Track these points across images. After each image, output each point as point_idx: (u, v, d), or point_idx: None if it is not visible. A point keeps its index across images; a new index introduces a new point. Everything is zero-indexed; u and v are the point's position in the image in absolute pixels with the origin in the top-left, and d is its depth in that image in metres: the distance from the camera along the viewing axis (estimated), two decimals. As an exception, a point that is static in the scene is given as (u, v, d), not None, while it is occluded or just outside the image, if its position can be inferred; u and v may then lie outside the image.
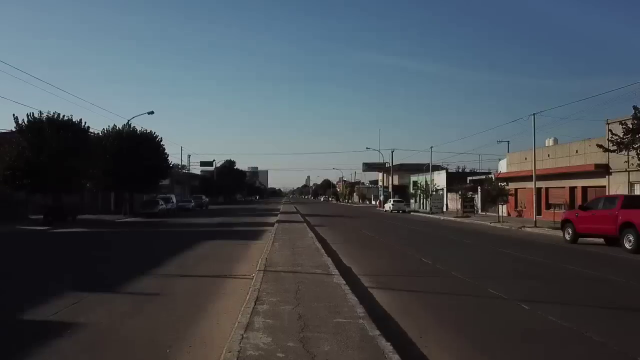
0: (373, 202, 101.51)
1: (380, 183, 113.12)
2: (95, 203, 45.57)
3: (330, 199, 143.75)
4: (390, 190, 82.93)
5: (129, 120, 42.12)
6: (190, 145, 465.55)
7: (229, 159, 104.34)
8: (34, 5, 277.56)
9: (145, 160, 40.82)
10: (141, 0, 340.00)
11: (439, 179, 61.02)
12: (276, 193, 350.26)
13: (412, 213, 52.71)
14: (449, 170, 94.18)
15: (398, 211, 53.64)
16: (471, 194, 44.35)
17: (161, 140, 44.33)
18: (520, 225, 29.44)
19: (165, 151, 45.26)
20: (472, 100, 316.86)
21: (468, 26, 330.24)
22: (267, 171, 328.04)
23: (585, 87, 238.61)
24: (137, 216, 41.77)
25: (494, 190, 35.25)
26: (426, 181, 65.92)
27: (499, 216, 34.22)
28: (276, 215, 41.23)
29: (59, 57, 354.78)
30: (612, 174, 29.21)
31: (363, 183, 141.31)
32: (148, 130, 42.90)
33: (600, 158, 30.76)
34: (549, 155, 36.37)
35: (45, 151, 28.41)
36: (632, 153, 20.78)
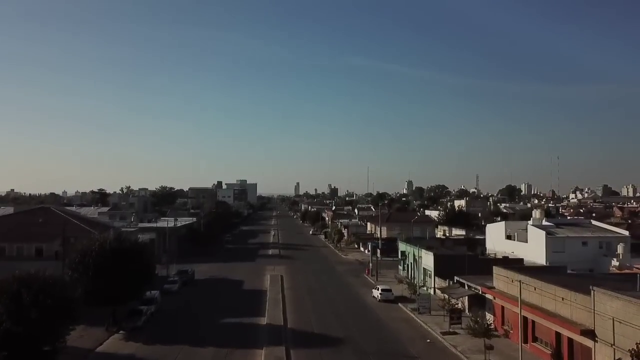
0: (362, 249, 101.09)
1: (369, 229, 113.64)
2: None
3: (317, 232, 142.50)
4: (379, 244, 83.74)
5: (112, 232, 41.47)
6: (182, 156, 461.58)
7: (216, 204, 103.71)
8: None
9: (131, 272, 40.22)
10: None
11: (427, 259, 61.00)
12: (265, 205, 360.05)
13: (399, 304, 52.77)
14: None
15: (386, 300, 54.05)
16: (459, 306, 44.29)
17: (145, 247, 43.74)
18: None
19: (150, 256, 44.62)
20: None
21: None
22: (255, 184, 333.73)
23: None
24: (121, 330, 41.14)
25: (480, 331, 35.28)
26: (415, 259, 66.01)
27: (485, 354, 34.24)
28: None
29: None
30: (598, 341, 29.18)
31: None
32: (132, 240, 42.33)
33: (586, 318, 30.71)
34: (535, 289, 36.32)
35: (23, 320, 27.58)
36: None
